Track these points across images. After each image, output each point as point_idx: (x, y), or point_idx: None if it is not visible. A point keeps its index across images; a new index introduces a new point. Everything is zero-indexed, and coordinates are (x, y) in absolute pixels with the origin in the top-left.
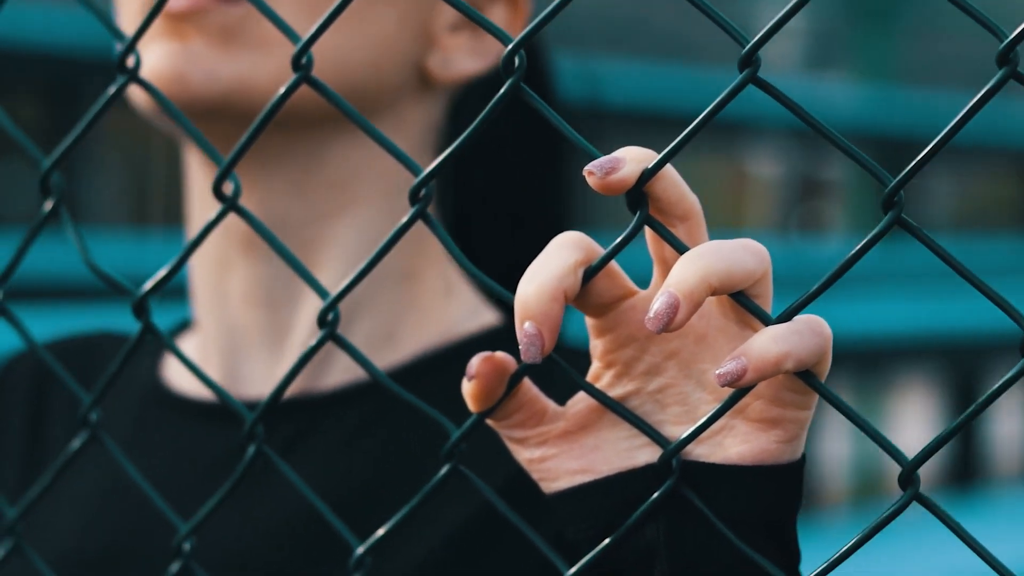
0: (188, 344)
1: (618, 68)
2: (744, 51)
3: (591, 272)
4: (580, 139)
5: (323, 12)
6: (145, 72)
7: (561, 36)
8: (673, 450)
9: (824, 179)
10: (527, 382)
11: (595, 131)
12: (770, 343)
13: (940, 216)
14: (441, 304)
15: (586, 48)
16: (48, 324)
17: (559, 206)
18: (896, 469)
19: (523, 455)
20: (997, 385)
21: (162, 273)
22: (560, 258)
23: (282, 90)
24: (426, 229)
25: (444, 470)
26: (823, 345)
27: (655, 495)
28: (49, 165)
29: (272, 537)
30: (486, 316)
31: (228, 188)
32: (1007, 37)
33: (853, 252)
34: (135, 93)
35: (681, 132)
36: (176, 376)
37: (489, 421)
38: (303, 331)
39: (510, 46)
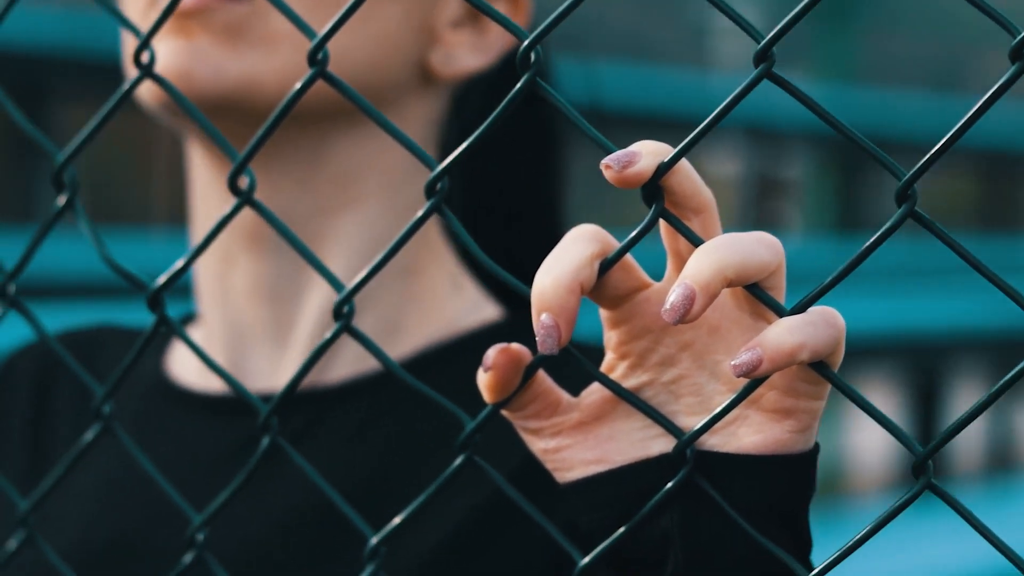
0: (192, 338)
1: (573, 68)
2: (759, 46)
3: (607, 264)
4: (596, 134)
5: (329, 9)
6: None
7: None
8: (687, 440)
9: (782, 178)
10: (542, 373)
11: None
12: (785, 334)
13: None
14: (444, 298)
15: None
16: (48, 323)
17: (554, 202)
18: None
19: (538, 445)
20: (1010, 375)
21: (177, 267)
22: (576, 250)
23: (298, 85)
24: (429, 223)
25: (459, 460)
26: (837, 336)
27: (669, 485)
28: (63, 160)
29: (279, 529)
30: (488, 311)
31: (243, 182)
32: (1020, 33)
33: (867, 244)
34: (140, 89)
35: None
36: (180, 369)
37: (504, 412)
38: (307, 325)
39: (526, 42)
